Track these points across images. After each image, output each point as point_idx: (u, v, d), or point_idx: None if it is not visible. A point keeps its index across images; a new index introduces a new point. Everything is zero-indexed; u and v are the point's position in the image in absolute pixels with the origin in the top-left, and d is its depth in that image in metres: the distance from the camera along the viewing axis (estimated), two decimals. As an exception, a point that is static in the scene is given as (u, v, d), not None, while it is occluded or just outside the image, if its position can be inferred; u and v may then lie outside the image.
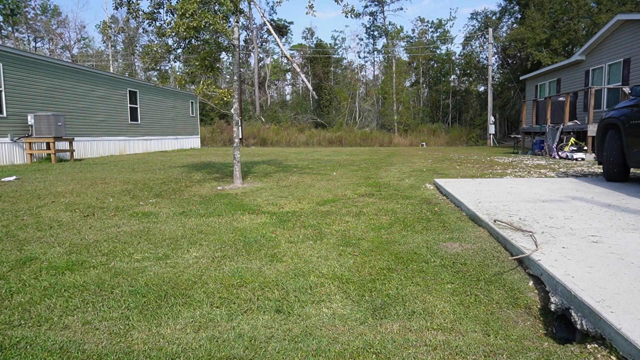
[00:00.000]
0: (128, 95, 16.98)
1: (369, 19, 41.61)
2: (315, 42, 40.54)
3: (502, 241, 3.38)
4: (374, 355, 1.91)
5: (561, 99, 13.79)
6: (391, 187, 6.58)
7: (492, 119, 25.25)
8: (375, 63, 45.53)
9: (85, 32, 62.47)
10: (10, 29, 37.96)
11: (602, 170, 7.18)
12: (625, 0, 23.14)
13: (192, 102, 22.66)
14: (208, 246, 3.54)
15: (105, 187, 6.78)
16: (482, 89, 35.66)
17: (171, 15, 6.81)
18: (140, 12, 6.98)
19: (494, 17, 34.87)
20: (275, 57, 44.05)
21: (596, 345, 1.92)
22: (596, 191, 5.46)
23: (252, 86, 39.00)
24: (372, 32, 41.68)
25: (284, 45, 34.66)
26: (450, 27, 63.48)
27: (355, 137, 28.92)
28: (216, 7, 6.55)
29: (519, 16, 31.22)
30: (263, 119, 34.26)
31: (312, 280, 2.79)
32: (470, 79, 36.93)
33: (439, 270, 2.93)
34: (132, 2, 6.88)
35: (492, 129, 24.98)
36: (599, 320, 1.94)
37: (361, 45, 48.93)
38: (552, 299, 2.32)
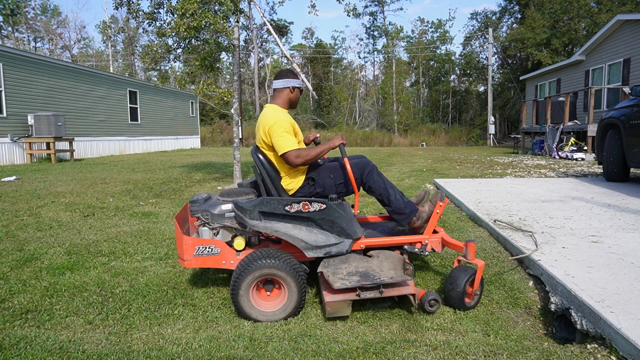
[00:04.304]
0: (128, 95, 16.98)
1: (369, 19, 41.62)
2: (315, 42, 40.54)
3: (502, 241, 3.38)
4: (374, 355, 1.91)
5: (561, 99, 13.79)
6: (391, 187, 6.58)
7: (492, 119, 25.24)
8: (375, 63, 45.54)
9: (85, 32, 62.54)
10: (10, 29, 37.96)
11: (602, 170, 7.18)
12: (625, 0, 23.14)
13: (192, 102, 22.66)
14: (208, 246, 3.54)
15: (105, 187, 6.78)
16: (482, 89, 35.66)
17: (171, 15, 6.81)
18: (140, 12, 6.98)
19: (494, 17, 34.86)
20: (275, 57, 44.05)
21: (596, 345, 1.91)
22: (596, 191, 5.46)
23: (252, 86, 39.01)
24: (372, 32, 41.67)
25: (284, 45, 34.67)
26: (450, 27, 63.51)
27: (356, 137, 28.92)
28: (216, 7, 6.55)
29: (519, 16, 31.21)
30: (263, 119, 34.20)
31: (312, 280, 2.79)
32: (470, 79, 36.90)
33: (439, 270, 2.93)
34: (132, 2, 6.88)
35: (492, 129, 24.96)
36: (599, 320, 1.94)
37: (361, 45, 48.97)
38: (552, 299, 2.32)
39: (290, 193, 2.63)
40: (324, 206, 2.38)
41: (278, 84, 2.71)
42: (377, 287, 2.28)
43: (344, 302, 2.24)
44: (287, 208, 2.36)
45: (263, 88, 39.71)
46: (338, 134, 2.71)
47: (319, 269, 2.35)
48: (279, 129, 2.49)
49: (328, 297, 2.25)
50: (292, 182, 2.62)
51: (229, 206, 2.48)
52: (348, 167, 2.57)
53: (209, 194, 2.66)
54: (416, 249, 2.60)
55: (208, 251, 2.39)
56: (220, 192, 2.62)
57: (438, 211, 2.64)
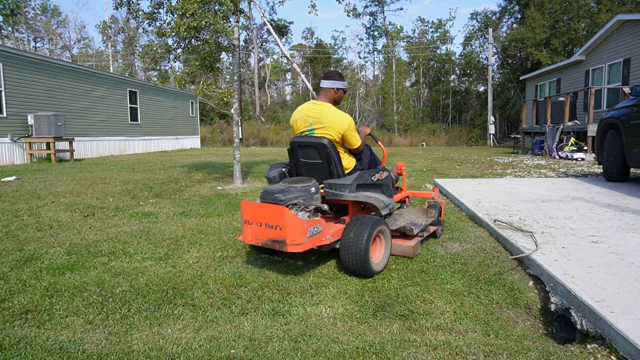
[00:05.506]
0: (128, 95, 16.98)
1: (369, 19, 41.62)
2: (315, 42, 40.57)
3: (502, 241, 3.38)
4: (374, 355, 1.91)
5: (561, 99, 13.79)
6: (391, 187, 6.58)
7: (492, 119, 25.23)
8: (375, 63, 45.54)
9: (85, 32, 62.55)
10: (10, 29, 37.95)
11: (602, 170, 7.18)
12: (625, 0, 23.14)
13: (192, 102, 22.66)
14: (208, 246, 3.54)
15: (105, 187, 6.78)
16: (482, 89, 35.65)
17: (171, 15, 6.81)
18: (140, 12, 6.98)
19: (494, 17, 34.87)
20: (275, 57, 44.05)
21: (596, 345, 1.91)
22: (596, 191, 5.46)
23: (252, 86, 38.99)
24: (372, 32, 41.67)
25: (284, 45, 34.65)
26: (450, 27, 63.50)
27: (355, 137, 28.86)
28: (216, 7, 6.55)
29: (519, 16, 31.22)
30: (263, 119, 34.25)
31: (312, 280, 2.79)
32: (470, 79, 36.90)
33: (439, 270, 2.94)
34: (132, 2, 6.88)
35: (492, 129, 24.96)
36: (599, 320, 1.94)
37: (361, 45, 48.97)
38: (552, 299, 2.32)
39: (347, 171, 3.10)
40: (387, 173, 3.16)
41: (325, 84, 3.09)
42: (424, 229, 3.41)
43: (419, 243, 3.22)
44: (372, 178, 2.99)
45: (263, 88, 39.70)
46: (363, 125, 3.35)
47: (395, 226, 3.20)
48: (353, 128, 3.04)
49: (410, 242, 3.13)
50: (349, 163, 3.15)
51: (314, 188, 2.85)
52: (383, 148, 3.42)
53: (275, 185, 2.91)
54: (407, 203, 3.91)
55: (316, 230, 2.68)
56: (283, 181, 2.90)
57: (404, 174, 3.82)
